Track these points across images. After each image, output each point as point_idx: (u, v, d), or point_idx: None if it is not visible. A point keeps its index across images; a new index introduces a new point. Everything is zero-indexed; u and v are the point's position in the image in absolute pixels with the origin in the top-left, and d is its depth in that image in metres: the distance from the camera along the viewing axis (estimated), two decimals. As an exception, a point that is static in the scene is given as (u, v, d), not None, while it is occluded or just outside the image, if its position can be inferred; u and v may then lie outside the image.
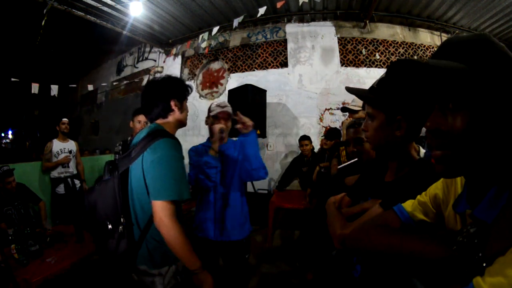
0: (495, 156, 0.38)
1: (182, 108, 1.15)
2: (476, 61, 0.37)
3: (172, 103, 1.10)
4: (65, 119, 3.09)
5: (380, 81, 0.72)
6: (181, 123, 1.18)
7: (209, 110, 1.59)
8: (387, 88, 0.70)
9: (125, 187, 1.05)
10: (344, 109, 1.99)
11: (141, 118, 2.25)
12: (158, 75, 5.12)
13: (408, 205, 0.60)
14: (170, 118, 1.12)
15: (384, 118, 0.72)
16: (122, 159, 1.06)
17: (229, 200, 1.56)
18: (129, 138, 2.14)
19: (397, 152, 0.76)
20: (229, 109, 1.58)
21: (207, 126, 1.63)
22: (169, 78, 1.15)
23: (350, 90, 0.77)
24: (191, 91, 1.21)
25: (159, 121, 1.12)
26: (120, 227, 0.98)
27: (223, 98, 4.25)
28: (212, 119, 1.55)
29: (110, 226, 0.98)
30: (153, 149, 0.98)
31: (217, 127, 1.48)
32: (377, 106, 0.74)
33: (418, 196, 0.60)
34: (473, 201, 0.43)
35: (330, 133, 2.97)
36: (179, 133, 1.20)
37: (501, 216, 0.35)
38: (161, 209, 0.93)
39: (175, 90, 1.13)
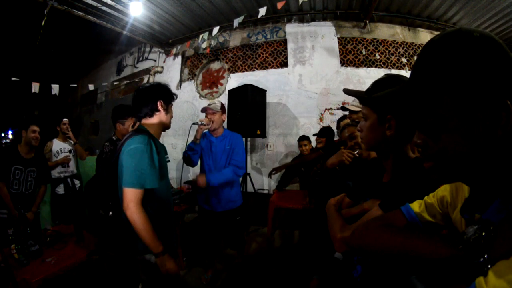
0: (492, 169, 0.38)
1: (167, 110, 1.31)
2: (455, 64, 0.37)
3: (159, 104, 1.26)
4: (65, 120, 3.08)
5: (374, 83, 0.74)
6: (165, 125, 1.32)
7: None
8: (379, 89, 0.71)
9: (114, 177, 1.18)
10: (344, 109, 1.98)
11: (131, 121, 2.20)
12: (158, 75, 5.13)
13: (416, 206, 0.60)
14: (155, 118, 1.27)
15: (375, 118, 0.74)
16: (112, 152, 1.21)
17: None
18: (113, 137, 2.15)
19: (390, 152, 0.76)
20: (213, 106, 1.95)
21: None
22: (158, 84, 1.32)
23: (347, 92, 0.79)
24: (176, 98, 1.37)
25: (144, 121, 1.27)
26: (110, 212, 1.13)
27: (223, 98, 4.24)
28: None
29: (101, 212, 1.13)
30: (128, 143, 1.14)
31: (199, 119, 1.92)
32: (371, 106, 0.76)
33: (426, 197, 0.59)
34: (481, 207, 0.42)
35: (322, 131, 2.92)
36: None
37: (507, 218, 0.35)
38: (128, 195, 1.07)
39: (163, 93, 1.29)
